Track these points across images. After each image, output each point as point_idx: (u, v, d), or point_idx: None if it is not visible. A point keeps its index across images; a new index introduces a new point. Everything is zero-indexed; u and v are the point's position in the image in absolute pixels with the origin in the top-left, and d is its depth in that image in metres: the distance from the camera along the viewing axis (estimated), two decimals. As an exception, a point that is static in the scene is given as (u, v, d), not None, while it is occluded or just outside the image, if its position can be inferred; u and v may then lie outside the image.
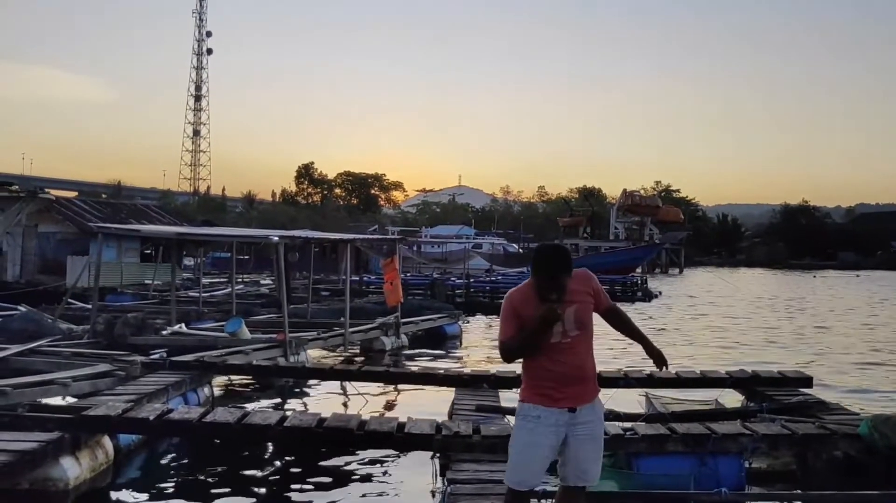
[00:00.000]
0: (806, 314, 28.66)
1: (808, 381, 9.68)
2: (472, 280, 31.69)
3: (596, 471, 4.13)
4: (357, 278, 29.82)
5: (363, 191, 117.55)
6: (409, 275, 34.74)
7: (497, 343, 4.19)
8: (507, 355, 4.15)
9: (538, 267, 4.06)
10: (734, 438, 6.77)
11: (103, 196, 70.73)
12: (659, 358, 4.46)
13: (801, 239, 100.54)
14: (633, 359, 14.05)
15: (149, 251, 31.68)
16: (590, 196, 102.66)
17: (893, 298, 38.69)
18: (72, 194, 61.31)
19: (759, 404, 8.78)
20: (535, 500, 4.97)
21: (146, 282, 26.28)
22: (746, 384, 9.72)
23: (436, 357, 16.07)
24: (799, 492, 7.01)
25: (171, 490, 6.97)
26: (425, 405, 9.80)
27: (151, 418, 6.98)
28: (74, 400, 8.40)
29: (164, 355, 10.41)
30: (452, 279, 32.59)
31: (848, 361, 16.21)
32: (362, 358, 15.16)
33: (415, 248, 54.25)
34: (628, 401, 10.10)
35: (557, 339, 4.02)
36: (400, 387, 11.59)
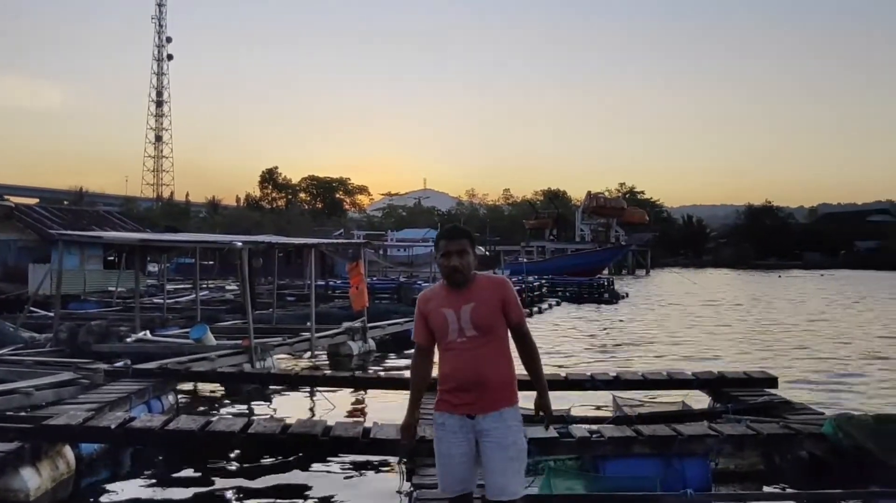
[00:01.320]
0: (773, 314, 29.04)
1: (773, 382, 9.77)
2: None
3: (513, 486, 3.88)
4: (323, 283, 29.66)
5: (328, 195, 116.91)
6: (375, 279, 34.61)
7: None
8: (413, 362, 4.24)
9: (438, 238, 4.07)
10: (700, 439, 6.80)
11: (65, 203, 69.66)
12: (546, 412, 4.13)
13: (766, 239, 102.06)
14: (602, 363, 14.17)
15: (112, 258, 31.24)
16: (555, 198, 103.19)
17: (856, 297, 39.39)
18: (32, 201, 60.16)
19: (725, 405, 8.84)
20: None
21: (110, 289, 25.90)
22: (712, 385, 9.79)
23: (403, 361, 16.00)
24: (765, 491, 7.07)
25: (133, 499, 6.84)
26: (392, 410, 9.72)
27: (113, 427, 6.86)
28: (38, 409, 8.25)
29: (128, 363, 10.24)
30: (419, 282, 32.51)
31: (813, 361, 16.43)
32: (329, 363, 15.05)
33: (381, 252, 54.06)
34: (596, 403, 10.17)
35: (453, 338, 3.93)
36: (367, 392, 11.53)
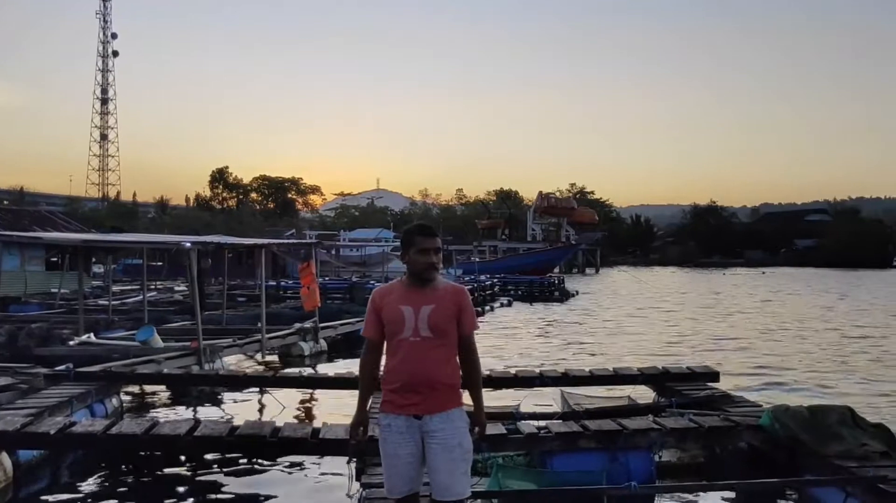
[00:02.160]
0: (717, 310, 29.67)
1: (715, 376, 10.02)
2: (391, 283, 31.60)
3: (459, 486, 3.89)
4: (274, 283, 29.41)
5: (280, 195, 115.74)
6: (327, 279, 34.44)
7: None
8: (362, 356, 4.17)
9: (411, 234, 4.04)
10: (644, 433, 6.94)
11: (4, 202, 67.78)
12: (480, 426, 4.09)
13: (711, 238, 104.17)
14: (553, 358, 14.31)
15: (55, 259, 30.55)
16: (507, 198, 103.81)
17: (789, 291, 40.43)
18: (-29, 201, 58.45)
19: (669, 399, 9.04)
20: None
21: (52, 290, 25.33)
22: (657, 380, 9.99)
23: (355, 361, 15.94)
24: (705, 482, 7.24)
25: (75, 506, 6.71)
26: (343, 410, 9.72)
27: (52, 432, 6.72)
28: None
29: (70, 366, 10.01)
30: (372, 282, 32.44)
31: (752, 354, 16.84)
32: (280, 364, 14.94)
33: (333, 252, 53.75)
34: (544, 400, 10.29)
35: (406, 335, 3.90)
36: (317, 392, 11.47)
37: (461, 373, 4.07)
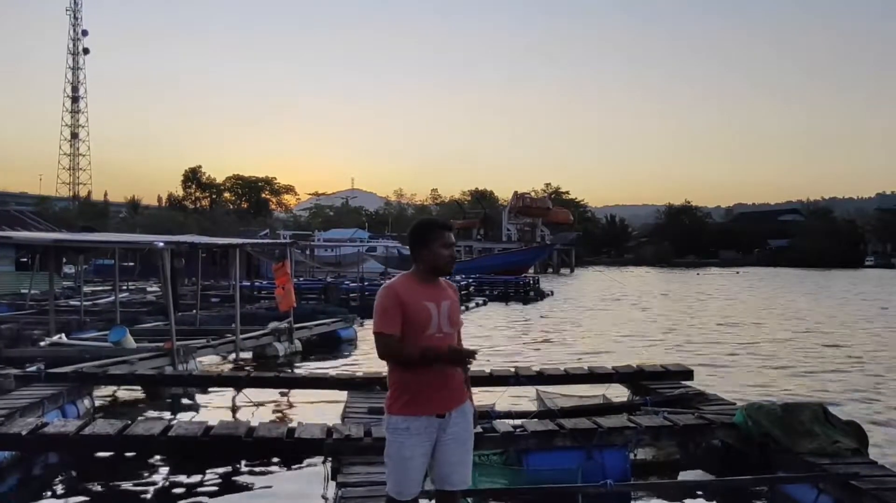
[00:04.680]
0: (691, 309, 29.92)
1: (689, 374, 10.12)
2: (366, 283, 31.55)
3: (465, 474, 3.97)
4: (248, 284, 29.23)
5: (254, 195, 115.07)
6: (302, 279, 34.25)
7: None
8: (389, 352, 3.86)
9: (432, 229, 3.99)
10: (619, 431, 6.99)
11: (-27, 202, 66.68)
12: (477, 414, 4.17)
13: (685, 238, 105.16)
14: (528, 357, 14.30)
15: (25, 259, 30.14)
16: (482, 198, 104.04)
17: (765, 290, 40.90)
18: (-63, 200, 57.47)
19: (644, 398, 9.09)
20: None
21: (22, 291, 24.97)
22: (632, 378, 10.07)
23: (331, 361, 15.90)
24: (679, 480, 7.30)
25: (47, 509, 6.62)
26: (318, 410, 9.71)
27: (24, 433, 6.63)
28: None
29: (41, 367, 9.88)
30: (347, 283, 32.36)
31: (729, 353, 17.01)
32: (255, 365, 14.84)
33: (308, 252, 53.53)
34: (520, 399, 10.32)
35: (432, 332, 3.85)
36: (292, 392, 11.41)
37: None
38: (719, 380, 13.08)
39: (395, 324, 3.81)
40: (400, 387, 3.88)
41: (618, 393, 10.17)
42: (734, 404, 8.45)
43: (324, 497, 6.55)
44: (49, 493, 7.00)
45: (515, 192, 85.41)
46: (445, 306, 3.91)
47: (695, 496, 6.76)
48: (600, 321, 25.39)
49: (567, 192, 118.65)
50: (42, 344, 12.67)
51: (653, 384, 9.67)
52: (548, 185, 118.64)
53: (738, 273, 69.19)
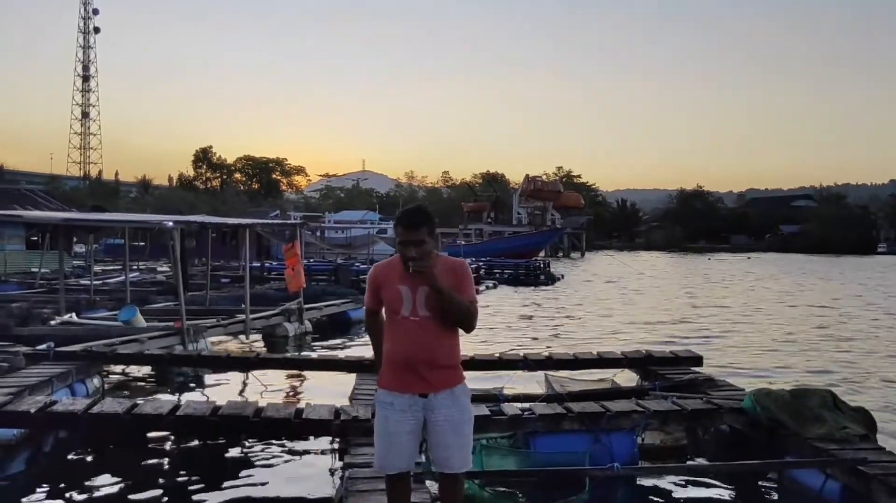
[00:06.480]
0: (702, 295, 29.81)
1: (698, 360, 10.06)
2: (376, 265, 31.59)
3: (461, 459, 3.96)
4: (258, 264, 29.27)
5: (264, 176, 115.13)
6: (312, 260, 34.31)
7: None
8: (367, 325, 4.31)
9: (396, 223, 4.04)
10: (627, 415, 6.96)
11: (-16, 180, 66.97)
12: (432, 281, 3.87)
13: (696, 223, 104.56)
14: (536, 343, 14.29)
15: (35, 238, 30.28)
16: (493, 181, 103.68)
17: (776, 277, 40.70)
18: (-51, 178, 57.69)
19: (653, 383, 9.05)
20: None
21: (32, 270, 25.12)
22: (641, 364, 10.02)
23: (341, 343, 15.93)
24: (687, 464, 7.28)
25: (56, 486, 6.65)
26: (327, 391, 9.72)
27: (33, 411, 6.65)
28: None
29: (51, 346, 9.92)
30: (357, 264, 32.38)
31: (738, 339, 16.95)
32: (264, 345, 14.89)
33: (318, 234, 53.58)
34: (528, 383, 10.30)
35: (405, 314, 3.91)
36: (301, 373, 11.44)
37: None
38: (728, 365, 13.03)
39: (371, 299, 4.12)
40: (387, 359, 4.01)
41: (626, 378, 10.14)
42: (743, 390, 8.41)
43: (331, 477, 6.56)
44: (56, 471, 7.05)
45: (527, 176, 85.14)
46: (423, 291, 3.90)
47: (703, 480, 6.74)
48: (610, 305, 25.34)
49: (578, 176, 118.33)
50: (52, 322, 12.72)
51: (662, 369, 9.62)
52: (559, 168, 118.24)
53: (748, 258, 68.90)
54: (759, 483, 6.74)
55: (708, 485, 6.68)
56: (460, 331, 4.06)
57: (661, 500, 6.43)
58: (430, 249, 3.95)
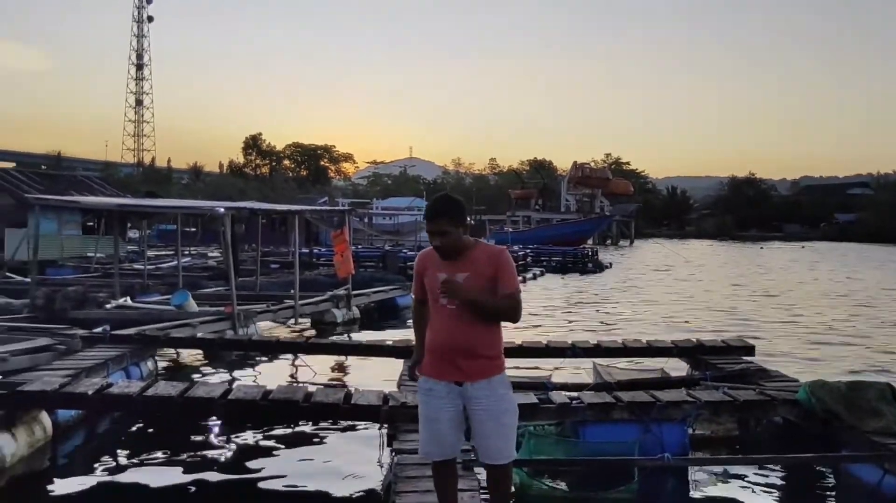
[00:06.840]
0: (755, 285, 29.26)
1: (750, 350, 9.87)
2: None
3: (504, 450, 3.94)
4: (307, 251, 29.56)
5: (312, 162, 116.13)
6: (360, 247, 34.55)
7: None
8: (413, 313, 4.35)
9: (425, 212, 4.08)
10: (678, 405, 6.85)
11: (43, 167, 68.73)
12: (458, 291, 3.87)
13: (748, 211, 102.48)
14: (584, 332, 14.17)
15: (91, 223, 30.98)
16: (541, 168, 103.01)
17: (839, 269, 39.74)
18: (9, 165, 59.23)
19: (703, 372, 8.90)
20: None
21: (88, 255, 25.72)
22: (691, 353, 9.86)
23: (388, 329, 16.01)
24: (740, 456, 7.15)
25: (111, 466, 6.82)
26: (374, 377, 9.77)
27: (90, 393, 6.80)
28: (12, 375, 8.15)
29: (106, 329, 10.14)
30: (404, 251, 32.50)
31: (792, 330, 16.61)
32: (313, 331, 15.03)
33: (366, 220, 53.90)
34: (576, 371, 10.23)
35: (444, 302, 3.93)
36: (349, 359, 11.52)
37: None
38: (780, 354, 12.77)
39: (416, 288, 4.20)
40: (428, 347, 4.04)
41: (676, 367, 9.99)
42: (797, 381, 8.22)
43: (380, 463, 6.59)
44: (112, 452, 7.22)
45: (575, 163, 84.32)
46: (460, 279, 3.90)
47: (755, 473, 6.61)
48: (660, 294, 25.02)
49: (627, 163, 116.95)
50: (107, 306, 12.99)
51: (713, 359, 9.46)
52: (608, 155, 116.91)
53: (803, 247, 67.36)
54: (814, 476, 6.59)
55: (761, 478, 6.55)
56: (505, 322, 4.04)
57: (712, 492, 6.32)
58: (455, 238, 3.94)
